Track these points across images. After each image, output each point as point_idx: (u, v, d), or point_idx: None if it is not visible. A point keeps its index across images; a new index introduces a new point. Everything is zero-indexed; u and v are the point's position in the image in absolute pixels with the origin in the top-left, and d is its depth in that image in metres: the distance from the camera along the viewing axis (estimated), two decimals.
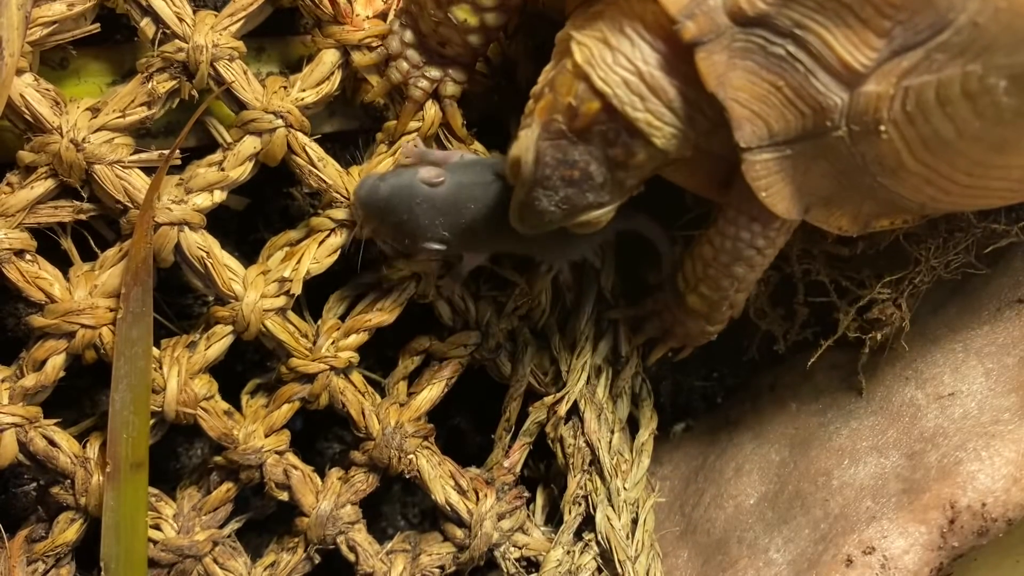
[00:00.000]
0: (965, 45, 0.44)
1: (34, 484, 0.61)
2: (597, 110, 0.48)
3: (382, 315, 0.60)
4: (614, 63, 0.49)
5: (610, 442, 0.62)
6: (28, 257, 0.55)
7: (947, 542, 0.54)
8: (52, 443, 0.56)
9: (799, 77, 0.46)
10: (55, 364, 0.56)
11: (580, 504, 0.62)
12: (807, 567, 0.56)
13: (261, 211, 0.63)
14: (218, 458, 0.59)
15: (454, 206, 0.56)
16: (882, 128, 0.46)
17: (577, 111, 0.49)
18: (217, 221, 0.59)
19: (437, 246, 0.56)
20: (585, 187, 0.50)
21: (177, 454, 0.63)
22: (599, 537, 0.60)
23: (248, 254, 0.61)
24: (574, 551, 0.60)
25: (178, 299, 0.62)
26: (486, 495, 0.62)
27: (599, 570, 0.60)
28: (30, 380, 0.56)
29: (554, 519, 0.63)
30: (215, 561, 0.59)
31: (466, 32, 0.55)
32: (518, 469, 0.64)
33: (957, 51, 0.44)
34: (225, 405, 0.59)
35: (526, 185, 0.50)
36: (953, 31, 0.44)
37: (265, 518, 0.63)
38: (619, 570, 0.59)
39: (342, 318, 0.61)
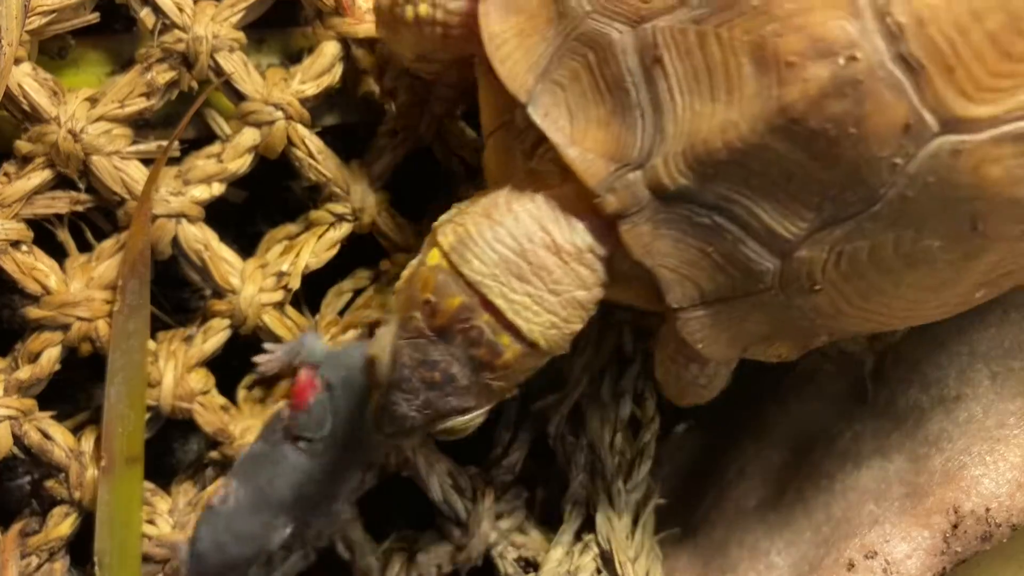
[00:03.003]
0: (897, 215, 0.43)
1: (28, 478, 0.61)
2: (458, 306, 0.46)
3: (382, 311, 0.60)
4: (493, 240, 0.47)
5: (612, 442, 0.62)
6: (24, 248, 0.55)
7: (950, 547, 0.53)
8: (47, 436, 0.56)
9: (727, 245, 0.45)
10: (50, 356, 0.55)
11: (580, 504, 0.61)
12: (808, 570, 0.56)
13: (260, 204, 0.63)
14: (214, 453, 0.59)
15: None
16: (817, 287, 0.46)
17: (436, 307, 0.46)
18: (216, 214, 0.59)
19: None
20: (448, 391, 0.47)
21: (172, 449, 0.62)
22: (599, 538, 0.59)
23: (246, 248, 0.60)
24: (574, 551, 0.60)
25: (175, 292, 0.61)
26: (485, 494, 0.61)
27: (598, 571, 0.59)
28: (25, 372, 0.55)
29: (553, 519, 0.63)
30: None
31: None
32: (518, 468, 0.63)
33: (889, 221, 0.44)
34: (222, 400, 0.59)
35: (383, 387, 0.47)
36: (884, 204, 0.43)
37: None
38: (619, 571, 0.58)
39: (341, 313, 0.60)
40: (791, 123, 0.42)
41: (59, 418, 0.57)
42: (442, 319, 0.46)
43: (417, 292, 0.47)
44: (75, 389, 0.61)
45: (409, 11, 0.50)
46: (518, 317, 0.46)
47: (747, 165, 0.43)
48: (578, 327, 0.48)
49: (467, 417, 0.48)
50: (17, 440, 0.55)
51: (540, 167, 0.48)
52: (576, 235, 0.47)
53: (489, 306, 0.46)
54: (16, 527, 0.58)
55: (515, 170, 0.49)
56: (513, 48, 0.47)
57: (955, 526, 0.53)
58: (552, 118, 0.46)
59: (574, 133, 0.45)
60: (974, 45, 0.41)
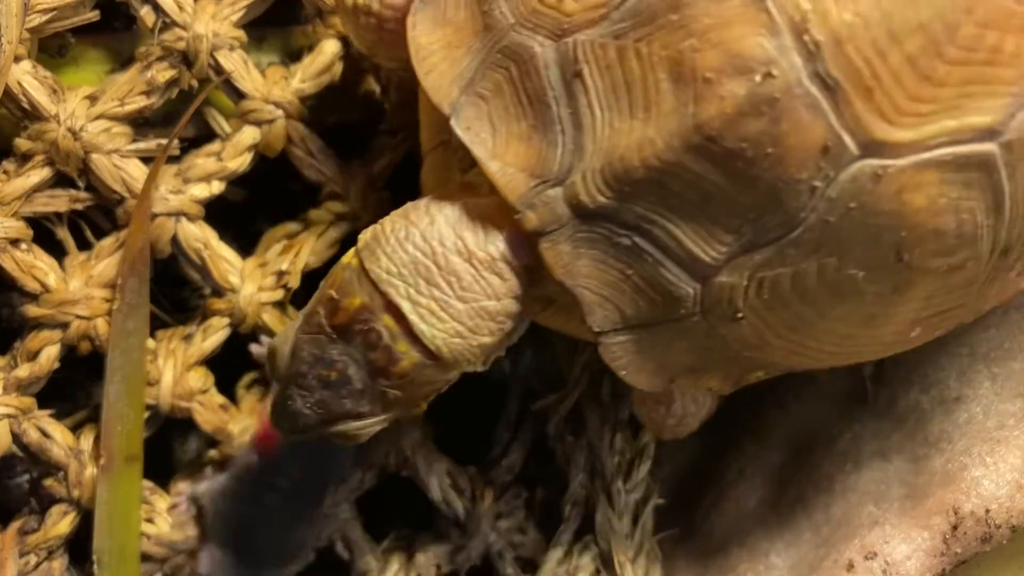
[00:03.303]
0: (818, 242, 0.42)
1: (27, 476, 0.60)
2: (358, 306, 0.45)
3: None
4: (405, 239, 0.46)
5: (611, 442, 0.61)
6: (24, 246, 0.55)
7: (950, 548, 0.53)
8: (45, 435, 0.56)
9: (648, 267, 0.44)
10: (49, 355, 0.55)
11: (580, 504, 0.61)
12: (808, 571, 0.56)
13: (260, 203, 0.63)
14: (212, 452, 0.59)
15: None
16: (740, 315, 0.45)
17: (338, 305, 0.45)
18: (215, 212, 0.59)
19: None
20: (343, 392, 0.45)
21: (171, 447, 0.62)
22: (598, 538, 0.59)
23: (246, 247, 0.60)
24: (573, 551, 0.60)
25: (175, 291, 0.61)
26: (484, 494, 0.61)
27: (597, 571, 0.59)
28: (24, 371, 0.55)
29: (552, 519, 0.63)
30: None
31: None
32: (517, 469, 0.63)
33: (810, 247, 0.42)
34: (221, 399, 0.58)
35: (281, 381, 0.46)
36: (804, 229, 0.42)
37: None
38: (618, 571, 0.58)
39: None
40: (707, 141, 0.41)
41: (58, 416, 0.57)
42: (342, 318, 0.45)
43: (324, 287, 0.46)
44: (74, 387, 0.61)
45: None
46: (422, 322, 0.45)
47: (665, 184, 0.42)
48: (487, 340, 0.46)
49: (361, 423, 0.46)
50: (16, 438, 0.55)
51: (473, 180, 0.47)
52: (491, 243, 0.46)
53: (391, 308, 0.45)
54: (15, 525, 0.57)
55: (450, 186, 0.49)
56: (439, 60, 0.46)
57: (955, 527, 0.53)
58: (474, 131, 0.45)
59: (496, 147, 0.45)
60: (893, 67, 0.40)
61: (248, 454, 0.57)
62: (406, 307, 0.45)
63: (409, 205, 0.47)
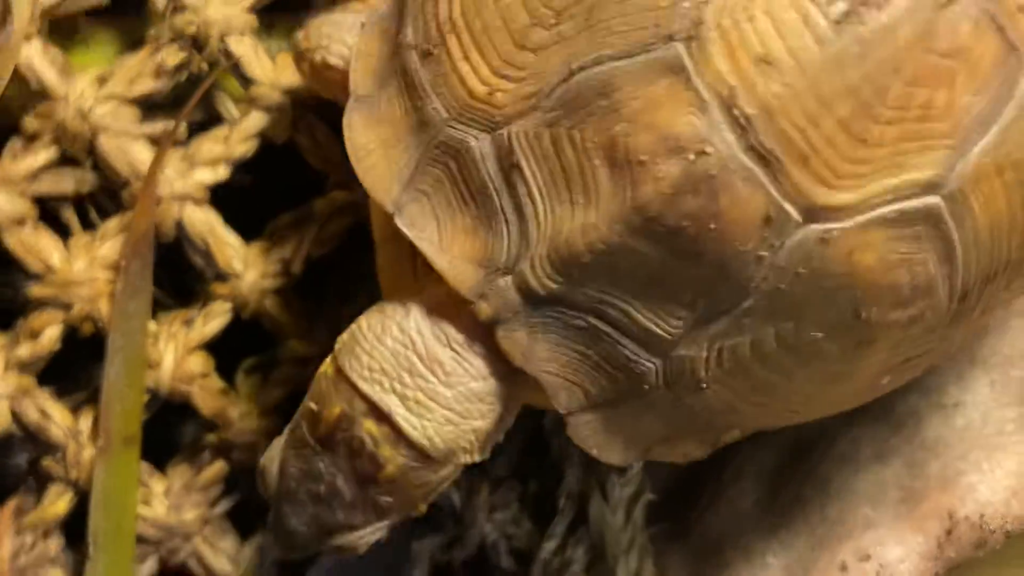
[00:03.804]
0: (772, 309, 0.42)
1: (25, 456, 0.61)
2: (337, 415, 0.44)
3: None
4: (383, 334, 0.45)
5: None
6: (28, 226, 0.55)
7: (944, 552, 0.53)
8: (45, 414, 0.56)
9: (606, 347, 0.44)
10: (51, 335, 0.55)
11: (574, 498, 0.61)
12: (802, 572, 0.56)
13: (265, 191, 0.63)
14: (211, 436, 0.59)
15: None
16: (704, 385, 0.44)
17: (319, 416, 0.45)
18: (221, 199, 0.59)
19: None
20: (334, 504, 0.45)
21: (169, 432, 0.62)
22: (592, 530, 0.59)
23: (250, 234, 0.60)
24: (567, 544, 0.60)
25: (177, 275, 0.61)
26: (480, 487, 0.61)
27: (591, 563, 0.59)
28: (25, 350, 0.55)
29: (546, 513, 0.63)
30: (205, 540, 0.59)
31: None
32: (513, 462, 0.63)
33: (765, 314, 0.42)
34: (221, 383, 0.59)
35: (273, 500, 0.46)
36: (757, 298, 0.42)
37: (256, 499, 0.63)
38: (611, 564, 0.58)
39: (345, 303, 0.60)
40: (648, 222, 0.41)
41: (58, 397, 0.57)
42: (323, 429, 0.45)
43: (306, 400, 0.46)
44: (75, 369, 0.61)
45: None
46: (411, 414, 0.44)
47: (613, 266, 0.42)
48: (480, 424, 0.46)
49: (358, 534, 0.46)
50: (15, 417, 0.55)
51: (425, 273, 0.47)
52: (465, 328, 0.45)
53: (374, 411, 0.44)
54: (11, 504, 0.58)
55: (406, 278, 0.49)
56: (378, 159, 0.46)
57: (949, 532, 0.53)
58: (419, 227, 0.45)
59: (442, 241, 0.44)
60: (826, 133, 0.40)
61: None
62: (393, 402, 0.44)
63: (381, 302, 0.47)
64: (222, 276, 0.58)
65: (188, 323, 0.58)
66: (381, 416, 0.44)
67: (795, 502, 0.59)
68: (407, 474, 0.45)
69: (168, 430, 0.62)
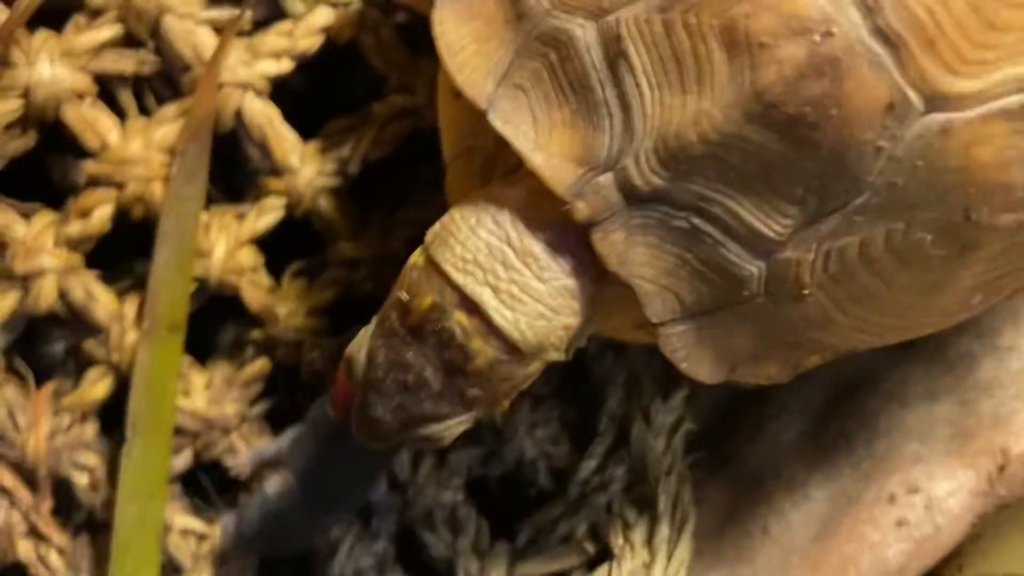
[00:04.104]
0: (886, 206, 0.41)
1: (62, 344, 0.60)
2: (429, 305, 0.43)
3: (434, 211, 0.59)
4: (477, 225, 0.44)
5: (650, 362, 0.61)
6: (88, 101, 0.54)
7: (994, 489, 0.53)
8: (90, 295, 0.55)
9: (707, 249, 0.42)
10: (102, 214, 0.55)
11: (615, 421, 0.60)
12: (847, 502, 0.55)
13: (322, 96, 0.62)
14: (256, 332, 0.58)
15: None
16: (806, 292, 0.43)
17: (409, 306, 0.44)
18: (277, 101, 0.58)
19: None
20: (421, 395, 0.44)
21: (211, 330, 0.62)
22: (633, 451, 0.59)
23: (305, 138, 0.60)
24: (607, 463, 0.59)
25: (229, 171, 0.61)
26: (520, 403, 0.60)
27: (630, 485, 0.58)
28: (75, 228, 0.55)
29: (584, 438, 0.62)
30: (241, 437, 0.58)
31: None
32: (553, 383, 0.62)
33: (878, 213, 0.41)
34: (269, 280, 0.58)
35: (360, 389, 0.45)
36: (871, 193, 0.41)
37: (293, 403, 0.62)
38: (652, 485, 0.57)
39: (397, 208, 0.60)
40: (767, 108, 0.40)
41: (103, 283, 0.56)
42: (414, 319, 0.44)
43: (395, 290, 0.45)
44: (120, 258, 0.60)
45: None
46: (504, 307, 0.44)
47: (723, 159, 0.41)
48: (571, 322, 0.45)
49: (443, 425, 0.45)
50: (61, 296, 0.54)
51: (510, 173, 0.46)
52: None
53: (465, 303, 0.44)
54: (49, 386, 0.57)
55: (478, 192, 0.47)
56: (471, 55, 0.45)
57: (1001, 468, 0.52)
58: (514, 124, 0.43)
59: (538, 138, 0.43)
60: (955, 15, 0.39)
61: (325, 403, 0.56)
62: (486, 294, 0.44)
63: (474, 194, 0.46)
64: (277, 171, 0.57)
65: (240, 217, 0.57)
66: (473, 308, 0.43)
67: (840, 437, 0.58)
68: (495, 367, 0.44)
69: (210, 328, 0.62)
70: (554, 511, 0.59)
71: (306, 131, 0.60)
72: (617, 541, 0.57)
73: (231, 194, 0.60)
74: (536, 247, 0.44)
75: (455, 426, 0.45)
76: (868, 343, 0.48)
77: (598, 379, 0.62)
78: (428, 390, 0.44)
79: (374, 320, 0.46)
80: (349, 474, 0.57)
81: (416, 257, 0.45)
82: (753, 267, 0.43)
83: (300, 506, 0.56)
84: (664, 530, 0.57)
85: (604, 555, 0.58)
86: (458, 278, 0.44)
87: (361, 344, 0.45)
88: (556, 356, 0.46)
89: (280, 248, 0.60)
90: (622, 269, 0.43)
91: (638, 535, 0.57)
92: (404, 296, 0.44)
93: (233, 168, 0.61)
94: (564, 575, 0.58)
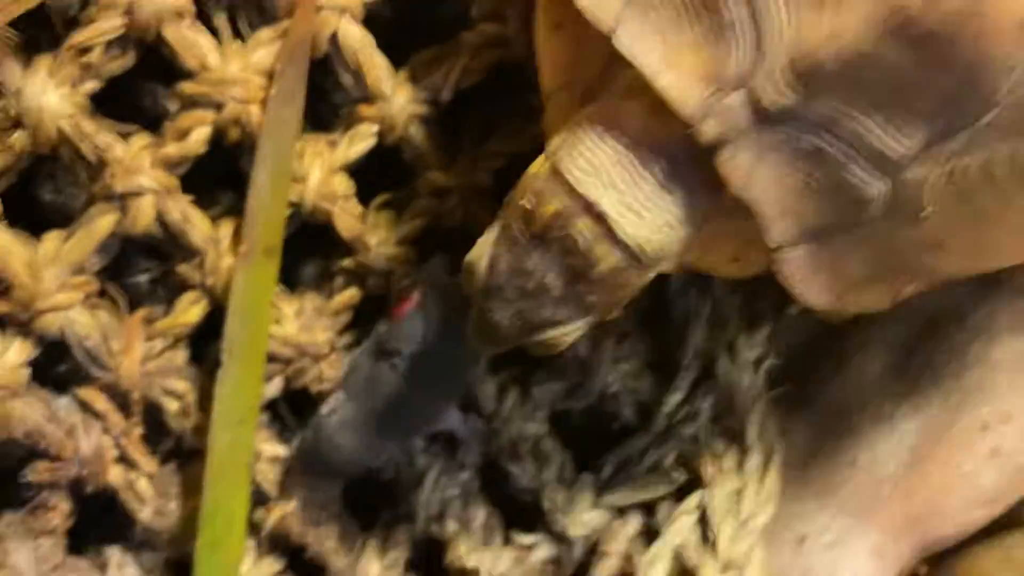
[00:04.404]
0: (1012, 125, 0.41)
1: (147, 276, 0.60)
2: (552, 212, 0.44)
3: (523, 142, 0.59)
4: (596, 144, 0.44)
5: (734, 298, 0.61)
6: (187, 20, 0.54)
7: None
8: (186, 217, 0.55)
9: (832, 170, 0.42)
10: (199, 135, 0.54)
11: (699, 356, 0.61)
12: (938, 432, 0.56)
13: (413, 23, 0.62)
14: (347, 261, 0.58)
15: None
16: (926, 211, 0.43)
17: (532, 214, 0.44)
18: (369, 29, 0.57)
19: None
20: (541, 301, 0.44)
21: (294, 263, 0.61)
22: (719, 384, 0.59)
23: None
24: (693, 396, 0.59)
25: (318, 101, 0.60)
26: (604, 338, 0.60)
27: (716, 417, 0.59)
28: (172, 149, 0.54)
29: (665, 375, 0.62)
30: (331, 366, 0.58)
31: None
32: (635, 319, 0.62)
33: (1004, 130, 0.41)
34: (360, 208, 0.58)
35: (480, 295, 0.45)
36: (999, 111, 0.41)
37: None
38: (739, 416, 0.58)
39: (486, 139, 0.59)
40: (905, 23, 0.40)
41: None
42: (538, 226, 0.44)
43: (517, 197, 0.45)
44: (207, 189, 0.60)
45: None
46: (630, 213, 0.44)
47: (856, 76, 0.41)
48: (690, 232, 0.45)
49: (560, 330, 0.46)
50: (158, 217, 0.54)
51: (628, 90, 0.45)
52: None
53: (589, 210, 0.44)
54: (140, 313, 0.57)
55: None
56: None
57: None
58: (641, 44, 0.43)
59: (665, 59, 0.43)
60: None
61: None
62: (610, 201, 0.44)
63: (597, 104, 0.46)
64: (370, 98, 0.57)
65: (332, 145, 0.57)
66: (596, 216, 0.44)
67: (927, 369, 0.59)
68: (616, 274, 0.44)
69: (296, 259, 0.61)
70: (640, 442, 0.59)
71: (394, 61, 0.60)
72: (708, 469, 0.57)
73: (317, 125, 0.60)
74: (658, 160, 0.44)
75: (572, 332, 0.46)
76: (973, 268, 0.48)
77: (681, 315, 0.62)
78: (548, 296, 0.44)
79: (494, 227, 0.46)
80: (401, 400, 0.57)
81: (539, 165, 0.45)
82: (877, 187, 0.43)
83: (349, 426, 0.56)
84: (755, 459, 0.57)
85: (693, 485, 0.58)
86: (583, 186, 0.44)
87: (481, 252, 0.46)
88: (668, 267, 0.47)
89: (364, 182, 0.60)
90: (746, 192, 0.43)
91: (728, 463, 0.57)
92: (528, 203, 0.44)
93: (319, 99, 0.61)
94: (651, 505, 0.59)
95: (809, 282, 0.46)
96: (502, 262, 0.45)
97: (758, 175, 0.43)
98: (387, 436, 0.57)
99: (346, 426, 0.56)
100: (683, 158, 0.44)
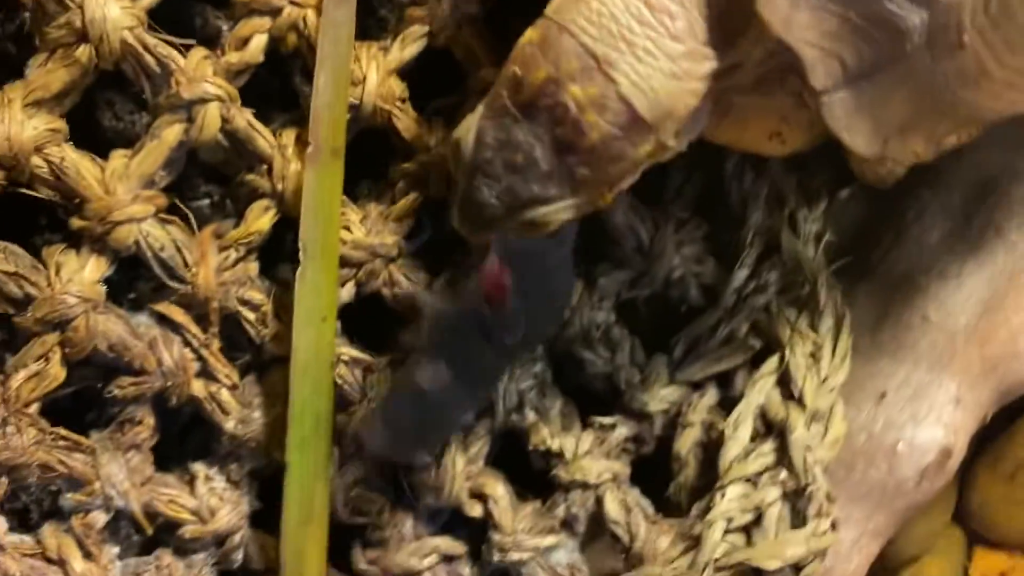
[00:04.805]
0: None
1: (208, 200, 0.60)
2: (543, 79, 0.43)
3: None
4: None
5: (790, 177, 0.62)
6: None
7: None
8: (251, 125, 0.56)
9: (870, 3, 0.43)
10: (258, 43, 0.55)
11: (761, 235, 0.61)
12: (1007, 280, 0.56)
13: None
14: (407, 165, 0.59)
15: None
16: (965, 38, 0.44)
17: (521, 82, 0.44)
18: None
19: None
20: (530, 175, 0.44)
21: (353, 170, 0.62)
22: (785, 257, 0.60)
23: None
24: (759, 271, 0.60)
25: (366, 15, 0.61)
26: (664, 223, 0.61)
27: (783, 289, 0.59)
28: (233, 57, 0.55)
29: (728, 252, 0.63)
30: (400, 269, 0.58)
31: None
32: (692, 206, 0.63)
33: None
34: (415, 112, 0.58)
35: (466, 172, 0.45)
36: None
37: (445, 240, 0.62)
38: (808, 284, 0.58)
39: None
40: None
41: None
42: (526, 94, 0.44)
43: (506, 66, 0.45)
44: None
45: None
46: (636, 62, 0.43)
47: None
48: (699, 87, 0.44)
49: (550, 208, 0.45)
50: (223, 124, 0.55)
51: None
52: None
53: (587, 69, 0.43)
54: (210, 227, 0.57)
55: None
56: None
57: None
58: None
59: None
60: None
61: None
62: (618, 50, 0.43)
63: None
64: (419, 1, 0.57)
65: (384, 51, 0.58)
66: (602, 66, 0.43)
67: (988, 227, 0.60)
68: (608, 143, 0.44)
69: (355, 167, 0.62)
70: (710, 319, 0.60)
71: None
72: (785, 332, 0.57)
73: (366, 38, 0.61)
74: (672, 6, 0.44)
75: (561, 210, 0.45)
76: (1015, 105, 0.48)
77: (738, 198, 0.62)
78: (537, 170, 0.44)
79: (482, 103, 0.45)
80: (481, 367, 0.57)
81: (531, 33, 0.45)
82: (915, 16, 0.43)
83: (444, 392, 0.56)
84: (828, 320, 0.58)
85: (767, 352, 0.59)
86: (588, 36, 0.43)
87: (469, 127, 0.45)
88: (669, 138, 0.45)
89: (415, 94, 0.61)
90: (787, 34, 0.43)
91: (802, 326, 0.58)
92: (517, 71, 0.44)
93: (368, 14, 0.62)
94: (726, 375, 0.59)
95: (854, 127, 0.46)
96: (489, 135, 0.44)
97: (798, 17, 0.43)
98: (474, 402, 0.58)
99: (443, 392, 0.55)
100: (696, 10, 0.44)
